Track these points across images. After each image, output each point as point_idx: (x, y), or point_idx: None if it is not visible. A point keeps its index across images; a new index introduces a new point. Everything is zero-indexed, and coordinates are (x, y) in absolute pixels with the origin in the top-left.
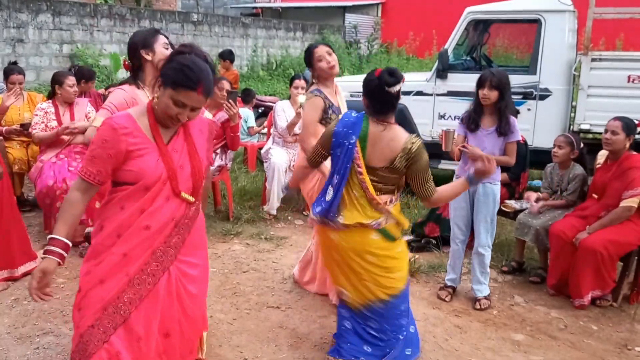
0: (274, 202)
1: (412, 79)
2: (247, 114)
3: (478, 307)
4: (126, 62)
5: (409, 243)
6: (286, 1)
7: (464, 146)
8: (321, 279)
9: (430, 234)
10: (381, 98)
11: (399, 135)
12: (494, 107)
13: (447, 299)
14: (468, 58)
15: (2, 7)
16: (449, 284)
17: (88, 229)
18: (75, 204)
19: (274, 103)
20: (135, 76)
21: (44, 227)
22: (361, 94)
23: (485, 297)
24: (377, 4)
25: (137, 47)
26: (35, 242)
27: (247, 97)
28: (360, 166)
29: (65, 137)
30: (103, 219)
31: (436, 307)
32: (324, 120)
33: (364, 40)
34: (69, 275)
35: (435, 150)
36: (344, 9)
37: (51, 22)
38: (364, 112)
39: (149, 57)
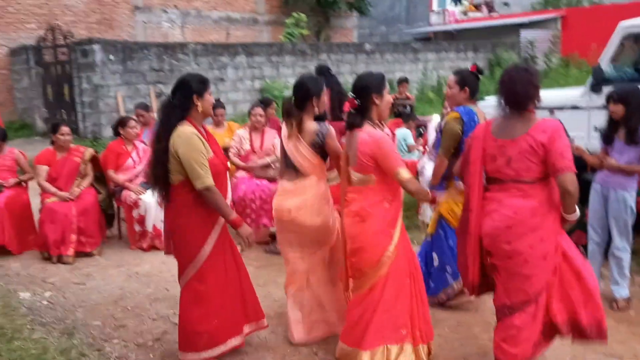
0: (426, 211)
1: (566, 94)
2: (405, 133)
3: (615, 307)
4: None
5: None
6: (460, 22)
7: (604, 157)
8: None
9: (577, 242)
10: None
11: None
12: (624, 120)
13: None
14: (629, 70)
15: (208, 53)
16: None
17: (272, 229)
18: None
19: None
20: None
21: None
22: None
23: (624, 299)
24: (556, 18)
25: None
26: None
27: (406, 118)
28: None
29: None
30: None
31: None
32: None
33: (541, 56)
34: (257, 265)
35: None
36: (520, 26)
37: (245, 62)
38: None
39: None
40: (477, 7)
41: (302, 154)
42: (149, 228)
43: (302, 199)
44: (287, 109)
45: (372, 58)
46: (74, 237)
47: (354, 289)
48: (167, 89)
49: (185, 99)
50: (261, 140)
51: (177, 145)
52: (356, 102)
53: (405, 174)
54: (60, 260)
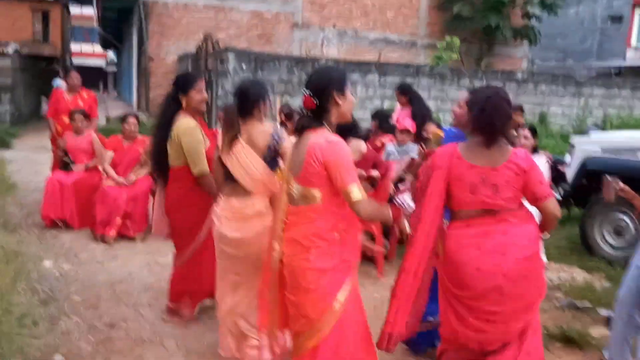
0: None
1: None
2: None
3: None
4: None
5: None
6: None
7: None
8: None
9: None
10: None
11: None
12: None
13: None
14: None
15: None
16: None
17: None
18: None
19: None
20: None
21: None
22: None
23: None
24: None
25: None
26: None
27: None
28: None
29: None
30: None
31: None
32: None
33: None
34: None
35: None
36: None
37: (377, 81)
38: None
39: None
40: None
41: (247, 166)
42: None
43: (250, 225)
44: (228, 121)
45: (523, 87)
46: (119, 220)
47: (293, 349)
48: (293, 101)
49: (174, 94)
50: None
51: (180, 134)
52: (314, 101)
53: (357, 193)
54: (102, 239)
